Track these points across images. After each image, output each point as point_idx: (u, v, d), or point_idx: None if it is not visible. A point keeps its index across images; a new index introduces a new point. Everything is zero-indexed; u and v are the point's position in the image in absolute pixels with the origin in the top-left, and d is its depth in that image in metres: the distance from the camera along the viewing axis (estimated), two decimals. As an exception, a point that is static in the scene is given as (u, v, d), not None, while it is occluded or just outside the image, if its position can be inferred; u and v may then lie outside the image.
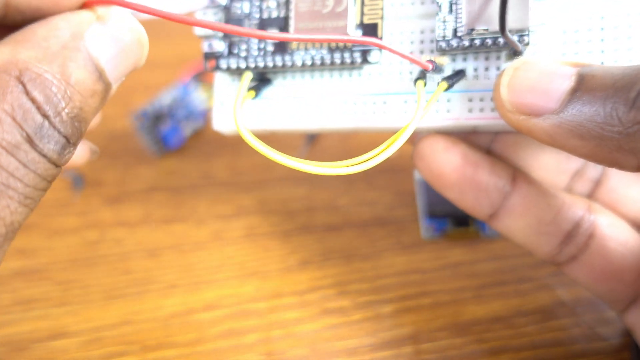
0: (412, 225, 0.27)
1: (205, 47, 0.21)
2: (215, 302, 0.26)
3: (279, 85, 0.21)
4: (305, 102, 0.21)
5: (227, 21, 0.20)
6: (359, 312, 0.25)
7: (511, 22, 0.17)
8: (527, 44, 0.17)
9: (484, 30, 0.18)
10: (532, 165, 0.22)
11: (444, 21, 0.18)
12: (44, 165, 0.14)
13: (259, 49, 0.20)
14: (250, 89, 0.21)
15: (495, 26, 0.17)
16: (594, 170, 0.22)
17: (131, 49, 0.16)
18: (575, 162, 0.22)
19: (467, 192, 0.20)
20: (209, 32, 0.20)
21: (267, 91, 0.21)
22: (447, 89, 0.18)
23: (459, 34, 0.18)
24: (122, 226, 0.29)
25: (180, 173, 0.31)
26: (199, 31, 0.21)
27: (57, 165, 0.15)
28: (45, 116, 0.14)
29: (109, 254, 0.28)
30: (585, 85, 0.15)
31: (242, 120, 0.19)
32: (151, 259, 0.28)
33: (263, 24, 0.20)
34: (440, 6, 0.18)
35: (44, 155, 0.14)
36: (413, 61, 0.18)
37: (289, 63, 0.20)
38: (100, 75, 0.15)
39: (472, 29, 0.18)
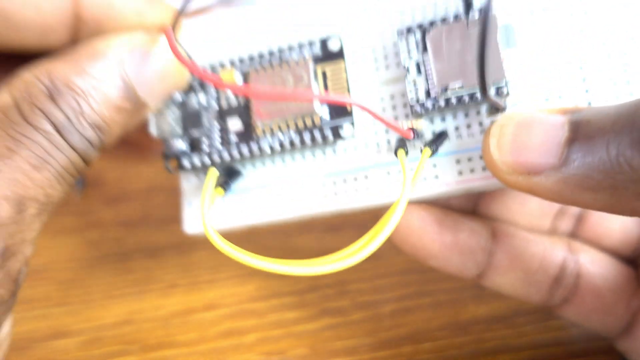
0: (412, 225, 0.27)
1: (164, 147, 0.19)
2: (215, 301, 0.26)
3: (250, 176, 0.20)
4: (280, 189, 0.19)
5: (184, 117, 0.19)
6: (359, 311, 0.25)
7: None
8: (507, 94, 0.16)
9: (459, 87, 0.17)
10: (515, 212, 0.21)
11: (414, 83, 0.17)
12: (72, 154, 0.16)
13: (222, 141, 0.19)
14: (218, 185, 0.19)
15: (470, 80, 0.16)
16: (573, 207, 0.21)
17: (170, 73, 0.18)
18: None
19: (452, 258, 0.20)
20: (165, 132, 0.19)
21: (238, 184, 0.20)
22: (432, 155, 0.17)
23: (432, 94, 0.17)
24: (122, 226, 0.29)
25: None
26: (154, 131, 0.19)
27: (84, 159, 0.17)
28: (67, 117, 0.16)
29: (109, 253, 0.28)
30: (582, 133, 0.14)
31: (211, 222, 0.18)
32: (151, 259, 0.28)
33: (222, 114, 0.19)
34: (407, 68, 0.17)
35: (72, 146, 0.16)
36: (395, 129, 0.17)
37: (256, 151, 0.18)
38: (131, 94, 0.17)
39: (446, 88, 0.17)
